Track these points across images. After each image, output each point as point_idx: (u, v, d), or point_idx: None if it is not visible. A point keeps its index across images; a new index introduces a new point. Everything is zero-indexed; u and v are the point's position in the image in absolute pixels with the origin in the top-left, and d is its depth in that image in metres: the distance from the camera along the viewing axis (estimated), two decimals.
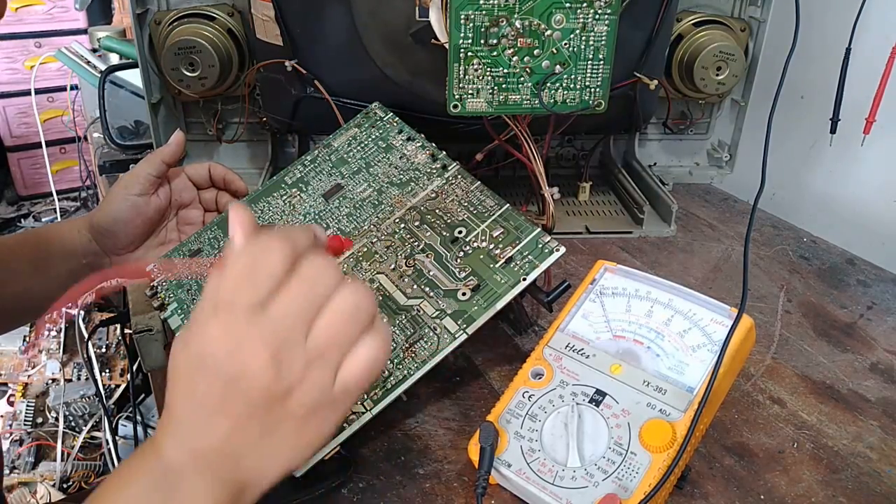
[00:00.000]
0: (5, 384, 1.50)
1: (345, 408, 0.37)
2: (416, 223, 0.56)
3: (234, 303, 0.34)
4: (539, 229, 0.51)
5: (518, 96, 0.59)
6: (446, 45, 0.56)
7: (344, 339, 0.35)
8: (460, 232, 0.53)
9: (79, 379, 1.51)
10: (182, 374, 0.35)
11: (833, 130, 0.82)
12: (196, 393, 0.34)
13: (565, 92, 0.59)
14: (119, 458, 1.39)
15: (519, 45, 0.57)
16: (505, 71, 0.57)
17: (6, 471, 1.38)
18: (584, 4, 0.56)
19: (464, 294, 0.50)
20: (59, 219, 1.91)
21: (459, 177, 0.58)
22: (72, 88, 1.75)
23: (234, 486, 0.35)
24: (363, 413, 0.47)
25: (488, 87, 0.58)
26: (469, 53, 0.56)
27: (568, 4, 0.56)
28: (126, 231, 0.63)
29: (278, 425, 0.35)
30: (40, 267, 0.63)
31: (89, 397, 1.47)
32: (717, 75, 0.82)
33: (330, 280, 0.35)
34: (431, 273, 0.52)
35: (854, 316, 0.66)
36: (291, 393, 0.34)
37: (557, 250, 0.49)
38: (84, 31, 1.90)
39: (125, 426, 1.43)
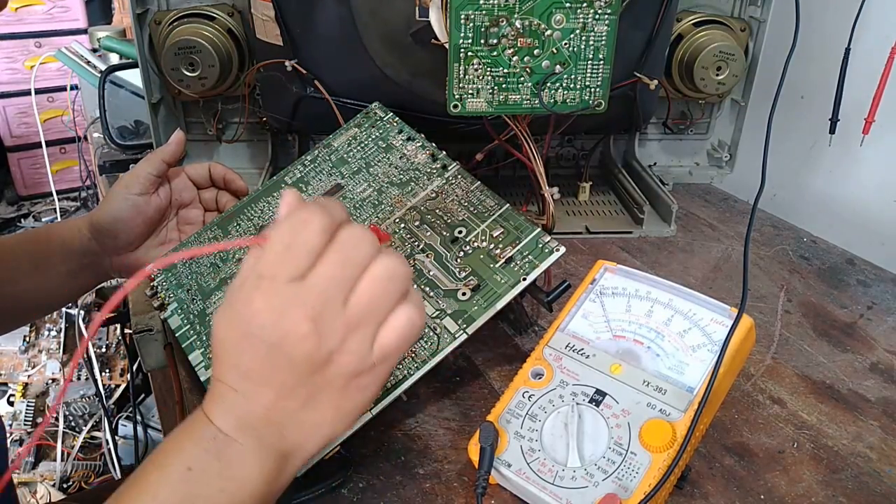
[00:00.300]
0: (5, 384, 1.50)
1: (383, 375, 0.38)
2: (416, 223, 0.56)
3: (275, 275, 0.35)
4: (539, 229, 0.51)
5: (518, 96, 0.59)
6: (446, 45, 0.56)
7: (381, 305, 0.36)
8: (460, 232, 0.53)
9: (79, 379, 1.51)
10: (228, 346, 0.36)
11: (832, 130, 0.82)
12: (242, 363, 0.36)
13: (565, 92, 0.59)
14: (119, 458, 1.39)
15: (519, 45, 0.57)
16: (505, 71, 0.57)
17: None
18: (584, 4, 0.56)
19: (464, 294, 0.50)
20: (59, 219, 1.90)
21: (459, 177, 0.58)
22: (72, 88, 1.75)
23: (279, 455, 0.37)
24: (363, 413, 0.47)
25: (488, 87, 0.58)
26: (469, 53, 0.56)
27: (568, 4, 0.56)
28: (126, 230, 0.63)
29: (319, 394, 0.36)
30: (40, 267, 0.63)
31: (89, 397, 1.47)
32: (717, 75, 0.82)
33: (367, 249, 0.36)
34: (431, 273, 0.52)
35: (854, 316, 0.66)
36: (332, 360, 0.36)
37: (557, 250, 0.49)
38: (84, 31, 1.90)
39: (125, 426, 1.43)
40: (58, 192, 1.87)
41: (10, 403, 1.47)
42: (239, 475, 0.36)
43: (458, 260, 0.52)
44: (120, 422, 1.44)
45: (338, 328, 0.35)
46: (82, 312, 1.50)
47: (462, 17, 0.55)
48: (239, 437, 0.36)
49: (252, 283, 0.35)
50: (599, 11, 0.56)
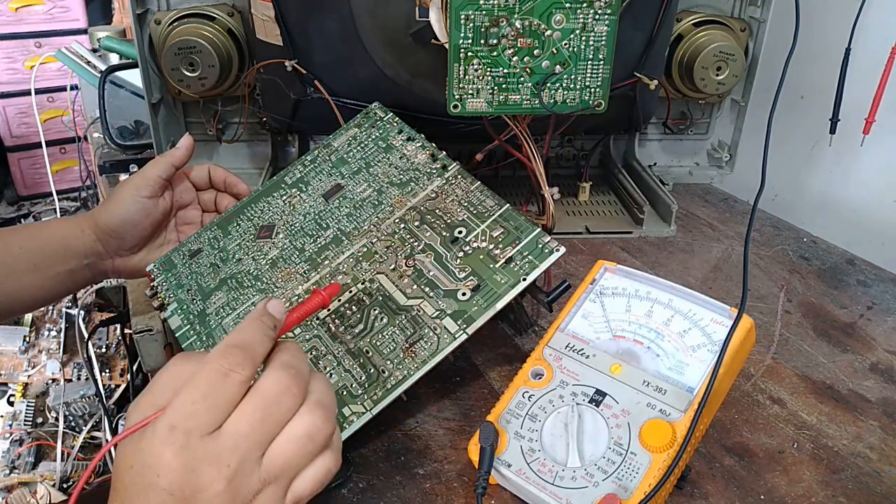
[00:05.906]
0: (5, 384, 1.50)
1: None
2: (416, 223, 0.56)
3: (190, 430, 0.33)
4: (539, 229, 0.51)
5: (518, 96, 0.59)
6: (446, 45, 0.56)
7: (299, 462, 0.36)
8: (460, 232, 0.53)
9: (79, 379, 1.51)
10: (132, 492, 0.34)
11: (833, 131, 0.82)
12: None
13: (565, 92, 0.59)
14: None
15: (519, 45, 0.57)
16: (505, 71, 0.57)
17: (6, 471, 1.38)
18: (584, 4, 0.56)
19: (464, 294, 0.50)
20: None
21: (459, 177, 0.58)
22: (72, 88, 1.75)
23: None
24: (363, 413, 0.47)
25: (488, 87, 0.58)
26: (469, 53, 0.56)
27: (568, 4, 0.56)
28: (133, 233, 0.63)
29: None
30: (39, 266, 0.63)
31: (89, 397, 1.47)
32: (717, 75, 0.82)
33: (288, 403, 0.35)
34: (431, 273, 0.52)
35: (854, 316, 0.66)
36: None
37: (557, 250, 0.49)
38: (84, 31, 1.89)
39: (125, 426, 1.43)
40: (58, 192, 1.87)
41: (10, 403, 1.47)
42: None
43: (458, 260, 0.52)
44: (120, 422, 1.44)
45: (252, 484, 0.34)
46: (82, 312, 1.50)
47: (462, 17, 0.55)
48: None
49: (164, 434, 0.33)
50: (599, 11, 0.56)
